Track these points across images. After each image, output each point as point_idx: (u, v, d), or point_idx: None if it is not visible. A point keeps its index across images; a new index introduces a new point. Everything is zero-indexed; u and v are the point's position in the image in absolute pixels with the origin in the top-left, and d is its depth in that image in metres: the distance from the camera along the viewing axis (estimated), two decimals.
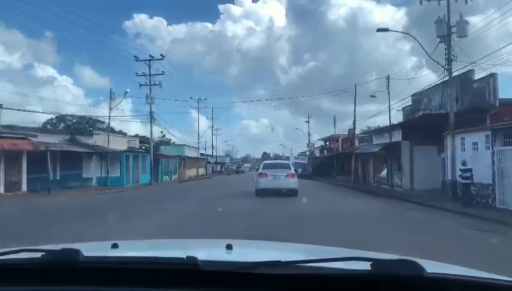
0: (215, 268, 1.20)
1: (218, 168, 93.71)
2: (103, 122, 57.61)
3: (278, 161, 26.15)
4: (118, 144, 32.52)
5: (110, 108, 30.69)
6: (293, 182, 18.59)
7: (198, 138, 56.97)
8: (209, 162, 72.77)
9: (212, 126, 73.53)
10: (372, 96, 29.30)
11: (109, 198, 20.28)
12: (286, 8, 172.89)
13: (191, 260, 1.18)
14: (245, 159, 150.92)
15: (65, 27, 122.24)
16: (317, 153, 61.37)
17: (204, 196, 20.49)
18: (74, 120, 49.89)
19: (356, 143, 49.08)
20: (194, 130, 69.32)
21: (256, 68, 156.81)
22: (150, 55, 32.73)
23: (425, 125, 21.07)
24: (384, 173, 28.05)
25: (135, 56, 31.69)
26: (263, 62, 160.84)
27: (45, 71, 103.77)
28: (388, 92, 26.36)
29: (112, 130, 36.88)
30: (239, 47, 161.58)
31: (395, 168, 25.67)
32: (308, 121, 62.55)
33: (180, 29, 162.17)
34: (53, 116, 48.42)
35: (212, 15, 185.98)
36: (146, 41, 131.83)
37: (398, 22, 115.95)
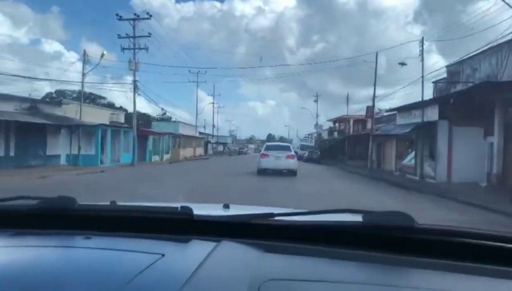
0: (209, 219, 1.23)
1: (221, 148, 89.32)
2: (104, 98, 53.54)
3: (280, 143, 26.78)
4: (97, 117, 27.64)
5: (83, 73, 25.64)
6: (292, 163, 19.66)
7: (196, 115, 52.10)
8: (209, 142, 67.99)
9: (213, 102, 68.72)
10: (402, 63, 23.98)
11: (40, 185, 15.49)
12: None
13: (186, 210, 1.20)
14: (250, 140, 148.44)
15: (73, 5, 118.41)
16: (325, 135, 56.31)
17: (186, 183, 15.75)
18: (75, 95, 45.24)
19: (369, 125, 44.03)
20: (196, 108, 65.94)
21: (264, 49, 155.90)
22: (134, 14, 27.52)
23: (469, 101, 15.97)
24: (409, 159, 23.04)
25: (117, 14, 26.46)
26: (271, 43, 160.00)
27: (52, 46, 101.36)
28: (422, 59, 21.15)
29: (94, 101, 32.02)
30: (247, 27, 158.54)
31: (426, 154, 20.61)
32: (316, 101, 57.34)
33: (188, 8, 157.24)
34: (53, 90, 44.04)
35: None
36: (153, 19, 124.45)
37: (408, 5, 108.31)
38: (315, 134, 57.92)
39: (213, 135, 69.25)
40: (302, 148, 48.74)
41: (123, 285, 0.85)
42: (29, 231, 1.24)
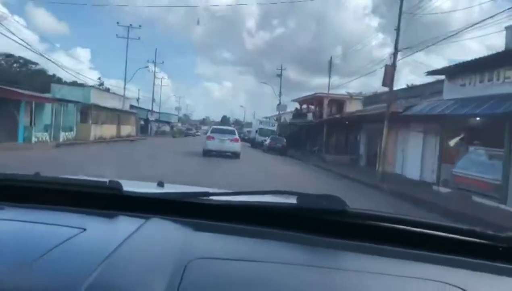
0: (139, 195, 1.16)
1: (167, 128, 76.30)
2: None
3: (225, 127, 26.64)
4: None
5: None
6: (236, 146, 20.54)
7: (125, 81, 39.11)
8: (147, 120, 55.18)
9: (154, 71, 55.63)
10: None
11: None
12: None
13: (114, 185, 1.13)
14: (204, 121, 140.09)
15: None
16: (289, 119, 45.40)
17: None
18: None
19: (354, 107, 33.44)
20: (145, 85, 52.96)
21: (222, 30, 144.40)
22: None
23: None
24: (467, 162, 12.36)
25: None
26: (230, 24, 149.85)
27: None
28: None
29: None
30: (206, 5, 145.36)
31: None
32: (280, 75, 46.09)
33: None
34: None
35: None
36: None
37: None
38: (275, 118, 46.65)
39: (152, 111, 56.27)
40: (262, 132, 37.51)
41: (36, 258, 0.80)
42: None
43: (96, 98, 31.28)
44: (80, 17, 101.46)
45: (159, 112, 62.69)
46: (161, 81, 61.82)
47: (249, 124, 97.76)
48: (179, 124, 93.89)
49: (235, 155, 20.16)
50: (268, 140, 31.36)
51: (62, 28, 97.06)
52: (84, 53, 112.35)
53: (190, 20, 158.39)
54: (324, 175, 17.86)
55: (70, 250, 0.85)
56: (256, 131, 37.72)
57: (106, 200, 1.14)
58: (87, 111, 29.85)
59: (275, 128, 38.60)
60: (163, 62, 54.00)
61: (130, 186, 1.18)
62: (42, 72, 41.59)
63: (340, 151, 27.98)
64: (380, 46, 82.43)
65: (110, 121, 34.92)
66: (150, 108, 59.00)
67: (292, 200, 1.09)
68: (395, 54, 14.27)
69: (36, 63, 42.20)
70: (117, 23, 39.27)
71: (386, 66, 14.25)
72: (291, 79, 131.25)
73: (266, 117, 44.73)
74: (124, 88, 39.11)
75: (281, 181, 13.19)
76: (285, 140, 31.50)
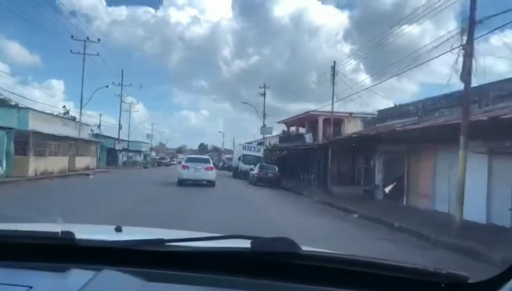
0: (93, 244, 1.11)
1: (138, 157, 69.37)
2: None
3: (200, 156, 26.91)
4: None
5: None
6: (211, 174, 20.39)
7: (81, 104, 32.70)
8: (109, 149, 48.51)
9: (121, 93, 49.37)
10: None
11: None
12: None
13: (67, 235, 1.06)
14: (180, 149, 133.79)
15: None
16: (273, 144, 39.69)
17: None
18: None
19: (353, 127, 28.17)
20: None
21: (198, 59, 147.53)
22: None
23: None
24: None
25: None
26: (206, 53, 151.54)
27: None
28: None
29: None
30: (181, 36, 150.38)
31: None
32: (264, 94, 40.62)
33: (120, 11, 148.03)
34: None
35: (154, 1, 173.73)
36: (82, 21, 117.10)
37: (340, 24, 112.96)
38: (260, 142, 40.81)
39: (119, 140, 49.64)
40: (246, 160, 31.51)
41: None
42: None
43: (39, 124, 24.76)
44: (51, 49, 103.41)
45: (127, 141, 56.01)
46: (130, 106, 55.49)
47: (230, 151, 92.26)
48: (153, 153, 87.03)
49: (210, 183, 19.94)
50: (256, 170, 25.32)
51: (35, 60, 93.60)
52: (57, 85, 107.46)
53: (166, 50, 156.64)
54: (350, 222, 11.93)
55: None
56: (239, 159, 31.72)
57: (58, 251, 1.07)
58: (25, 140, 23.33)
59: (261, 154, 32.72)
60: (130, 84, 47.94)
61: (85, 233, 1.13)
62: None
63: (347, 180, 22.30)
64: (354, 71, 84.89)
65: (60, 152, 28.32)
66: (117, 136, 52.39)
67: (247, 244, 1.07)
68: (470, 29, 8.70)
69: None
70: (71, 36, 32.61)
71: (464, 47, 8.58)
72: (268, 105, 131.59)
73: (249, 142, 38.76)
74: (80, 112, 32.74)
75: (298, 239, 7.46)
76: (277, 168, 25.53)
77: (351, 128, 28.70)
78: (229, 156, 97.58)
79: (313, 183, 27.19)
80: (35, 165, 23.86)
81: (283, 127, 40.07)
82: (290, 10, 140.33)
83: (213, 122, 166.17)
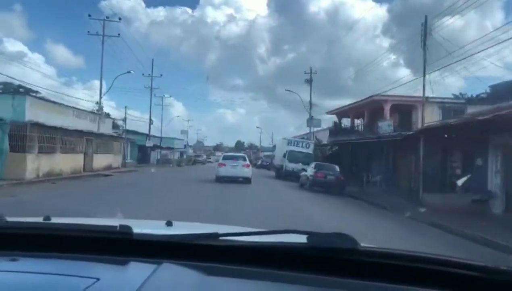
0: (150, 238, 1.14)
1: (175, 155, 65.33)
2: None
3: (236, 154, 26.77)
4: None
5: None
6: (247, 172, 20.49)
7: (100, 93, 28.18)
8: (140, 146, 44.28)
9: (151, 86, 45.02)
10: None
11: None
12: None
13: (125, 229, 1.10)
14: (217, 147, 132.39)
15: (38, 4, 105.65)
16: (323, 138, 33.56)
17: None
18: None
19: (429, 116, 21.82)
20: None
21: (235, 57, 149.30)
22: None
23: None
24: None
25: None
26: (242, 51, 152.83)
27: (15, 46, 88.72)
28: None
29: None
30: (218, 35, 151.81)
31: None
32: (310, 81, 34.63)
33: (158, 12, 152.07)
34: None
35: (192, 1, 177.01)
36: (123, 23, 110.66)
37: (379, 18, 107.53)
38: (307, 136, 34.72)
39: (149, 136, 45.31)
40: (292, 157, 25.72)
41: None
42: None
43: (42, 114, 20.18)
44: (93, 49, 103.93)
45: (160, 137, 51.72)
46: (162, 100, 51.15)
47: (267, 149, 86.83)
48: (190, 151, 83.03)
49: (246, 180, 20.17)
50: (310, 170, 19.42)
51: (79, 62, 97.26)
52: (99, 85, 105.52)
53: (203, 50, 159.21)
54: None
55: None
56: (284, 156, 26.02)
57: (118, 245, 1.10)
58: (24, 134, 18.79)
59: (311, 150, 26.81)
60: (161, 75, 43.90)
61: (139, 227, 1.15)
62: None
63: (435, 184, 16.04)
64: (392, 66, 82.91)
65: (73, 149, 23.80)
66: (148, 133, 48.19)
67: (303, 239, 1.06)
68: None
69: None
70: (89, 15, 28.11)
71: None
72: (304, 102, 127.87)
73: (296, 136, 32.75)
74: (100, 102, 28.13)
75: None
76: (338, 169, 19.46)
77: (427, 117, 22.29)
78: (267, 153, 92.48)
79: (381, 186, 21.09)
80: (35, 164, 19.25)
81: (334, 118, 33.89)
82: (326, 5, 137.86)
83: (250, 120, 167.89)
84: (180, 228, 1.41)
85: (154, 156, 55.96)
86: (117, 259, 1.07)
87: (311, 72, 34.73)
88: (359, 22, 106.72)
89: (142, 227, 1.21)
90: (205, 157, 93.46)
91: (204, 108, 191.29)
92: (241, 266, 1.07)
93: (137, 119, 52.53)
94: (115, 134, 32.19)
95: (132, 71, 31.92)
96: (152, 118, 44.66)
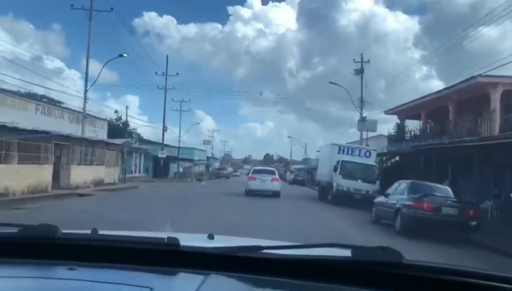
0: (196, 250, 1.17)
1: (202, 168, 58.34)
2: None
3: (265, 167, 25.71)
4: None
5: None
6: (277, 185, 20.45)
7: (86, 86, 21.03)
8: (155, 157, 37.22)
9: (165, 86, 38.09)
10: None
11: None
12: (297, 11, 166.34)
13: (172, 241, 1.13)
14: (246, 160, 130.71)
15: (73, 21, 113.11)
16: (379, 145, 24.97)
17: None
18: None
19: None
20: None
21: (264, 72, 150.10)
22: None
23: None
24: None
25: None
26: (271, 65, 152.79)
27: (53, 63, 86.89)
28: None
29: None
30: (247, 49, 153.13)
31: None
32: (361, 72, 26.46)
33: (190, 29, 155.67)
34: None
35: (222, 17, 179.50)
36: (155, 40, 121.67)
37: (410, 30, 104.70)
38: (365, 143, 26.06)
39: (163, 145, 38.12)
40: (347, 171, 17.30)
41: None
42: (10, 260, 1.14)
43: None
44: (124, 66, 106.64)
45: (178, 147, 44.60)
46: (181, 105, 44.11)
47: (303, 161, 78.35)
48: (217, 164, 75.81)
49: (275, 194, 19.91)
50: (403, 195, 10.33)
51: (112, 78, 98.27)
52: (133, 100, 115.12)
53: (233, 64, 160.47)
54: None
55: None
56: (335, 170, 17.61)
57: (166, 256, 1.14)
58: None
59: (372, 161, 18.47)
60: (177, 74, 37.28)
61: (183, 240, 1.17)
62: None
63: None
64: (424, 78, 78.63)
65: (30, 158, 16.58)
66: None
67: (347, 253, 1.07)
68: None
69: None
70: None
71: None
72: (332, 116, 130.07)
73: (351, 143, 24.16)
74: (85, 98, 20.96)
75: None
76: (450, 191, 10.79)
77: None
78: (298, 166, 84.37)
79: (496, 216, 12.69)
80: None
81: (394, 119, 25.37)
82: (355, 18, 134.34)
83: (278, 133, 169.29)
84: (222, 241, 1.43)
85: (174, 168, 49.05)
86: (166, 269, 1.10)
87: (362, 61, 26.57)
88: (390, 34, 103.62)
89: (187, 240, 1.21)
90: (230, 169, 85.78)
91: (233, 122, 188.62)
92: (284, 278, 1.06)
93: (148, 126, 45.57)
94: (108, 139, 24.89)
95: (125, 54, 24.58)
96: (168, 125, 37.26)
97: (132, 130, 45.00)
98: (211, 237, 1.43)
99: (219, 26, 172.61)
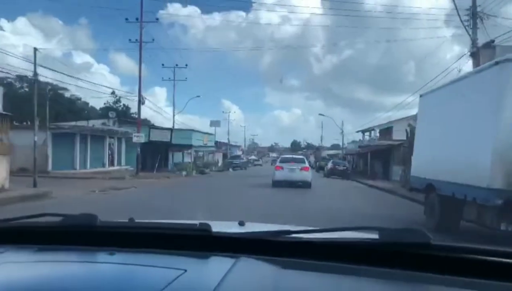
0: (227, 235, 1.21)
1: (221, 157, 46.42)
2: None
3: (294, 156, 24.13)
4: None
5: None
6: (306, 175, 18.68)
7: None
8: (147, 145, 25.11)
9: (140, 38, 25.69)
10: None
11: None
12: None
13: (204, 226, 1.18)
14: (272, 148, 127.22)
15: (99, 15, 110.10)
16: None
17: None
18: None
19: None
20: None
21: (289, 58, 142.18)
22: None
23: None
24: None
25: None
26: (297, 51, 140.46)
27: (82, 58, 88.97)
28: None
29: None
30: (272, 36, 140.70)
31: None
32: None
33: (214, 18, 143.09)
34: None
35: (246, 4, 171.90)
36: (180, 31, 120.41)
37: (440, 8, 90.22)
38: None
39: (138, 126, 25.74)
40: None
41: None
42: (54, 247, 1.23)
43: None
44: (150, 57, 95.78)
45: (171, 129, 32.32)
46: (174, 71, 31.60)
47: (333, 146, 64.95)
48: (239, 152, 63.63)
49: (305, 184, 18.00)
50: None
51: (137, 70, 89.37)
52: (160, 92, 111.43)
53: (258, 52, 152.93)
54: None
55: (178, 290, 0.90)
56: None
57: (198, 241, 1.18)
58: None
59: None
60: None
61: (215, 227, 1.20)
62: None
63: None
64: (456, 58, 65.11)
65: None
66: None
67: (374, 235, 1.08)
68: None
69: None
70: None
71: None
72: (362, 101, 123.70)
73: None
74: None
75: None
76: None
77: None
78: (331, 152, 70.76)
79: None
80: None
81: None
82: None
83: (305, 120, 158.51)
84: (252, 227, 1.46)
85: (177, 158, 37.05)
86: (199, 253, 1.14)
87: None
88: (419, 14, 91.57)
89: (218, 226, 1.23)
90: (253, 157, 73.15)
91: (260, 110, 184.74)
92: (314, 260, 1.08)
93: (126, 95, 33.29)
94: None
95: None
96: (139, 90, 24.94)
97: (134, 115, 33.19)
98: (241, 223, 1.48)
99: (243, 14, 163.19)
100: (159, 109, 65.80)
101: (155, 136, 31.31)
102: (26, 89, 34.45)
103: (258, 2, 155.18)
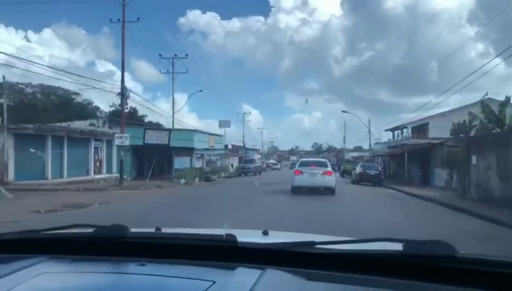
0: (252, 246, 1.21)
1: (236, 161, 41.77)
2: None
3: (316, 159, 23.49)
4: None
5: None
6: (330, 180, 16.57)
7: None
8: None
9: (123, 18, 21.18)
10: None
11: None
12: None
13: (230, 238, 1.19)
14: (292, 151, 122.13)
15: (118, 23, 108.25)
16: None
17: None
18: None
19: None
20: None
21: (309, 61, 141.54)
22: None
23: None
24: None
25: None
26: (316, 54, 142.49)
27: (104, 66, 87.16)
28: None
29: None
30: (291, 39, 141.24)
31: None
32: None
33: (233, 24, 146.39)
34: None
35: (264, 9, 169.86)
36: (199, 38, 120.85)
37: (462, 6, 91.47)
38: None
39: (122, 128, 21.22)
40: None
41: None
42: (87, 258, 1.24)
43: None
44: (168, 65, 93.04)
45: (169, 130, 27.70)
46: (173, 62, 27.06)
47: (356, 149, 59.04)
48: (257, 156, 58.92)
49: (329, 190, 16.10)
50: None
51: (161, 78, 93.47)
52: (181, 98, 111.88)
53: (277, 55, 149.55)
54: None
55: None
56: None
57: (225, 252, 1.19)
58: None
59: None
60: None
61: (240, 236, 1.21)
62: None
63: None
64: (480, 56, 65.22)
65: None
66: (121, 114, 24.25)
67: (398, 247, 1.06)
68: None
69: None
70: None
71: None
72: (383, 102, 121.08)
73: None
74: None
75: None
76: None
77: None
78: (355, 154, 65.15)
79: None
80: None
81: None
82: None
83: (326, 123, 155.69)
84: (276, 237, 1.45)
85: (183, 163, 32.46)
86: (226, 264, 1.14)
87: None
88: (441, 12, 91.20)
89: (243, 236, 1.24)
90: (272, 161, 67.90)
91: (280, 114, 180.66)
92: (338, 272, 1.08)
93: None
94: None
95: None
96: (122, 82, 20.48)
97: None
98: (265, 233, 1.46)
99: (262, 18, 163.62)
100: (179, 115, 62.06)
101: (151, 138, 26.84)
102: None
103: (277, 7, 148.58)
